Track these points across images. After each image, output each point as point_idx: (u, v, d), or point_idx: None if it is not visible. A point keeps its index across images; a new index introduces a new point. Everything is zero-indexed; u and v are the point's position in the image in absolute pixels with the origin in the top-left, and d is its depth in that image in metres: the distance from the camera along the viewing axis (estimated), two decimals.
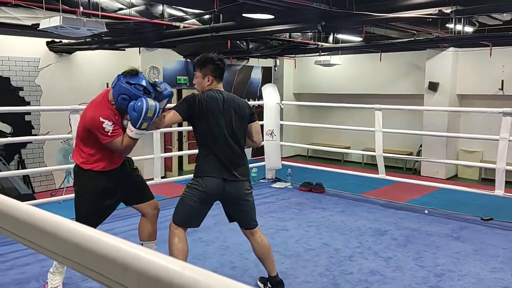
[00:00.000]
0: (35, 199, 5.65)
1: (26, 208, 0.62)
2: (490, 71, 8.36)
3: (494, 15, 5.52)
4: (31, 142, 7.32)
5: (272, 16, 5.25)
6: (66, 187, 6.75)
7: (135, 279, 0.49)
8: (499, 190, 4.83)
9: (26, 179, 7.13)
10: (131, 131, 2.84)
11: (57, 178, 7.44)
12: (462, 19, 6.02)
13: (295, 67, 10.89)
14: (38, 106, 7.31)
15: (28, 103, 7.26)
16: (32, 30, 5.51)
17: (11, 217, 0.60)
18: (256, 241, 3.11)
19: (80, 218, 3.06)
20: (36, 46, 7.27)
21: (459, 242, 4.28)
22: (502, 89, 8.27)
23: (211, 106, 2.90)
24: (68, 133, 6.52)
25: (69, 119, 6.00)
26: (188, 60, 9.40)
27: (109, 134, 2.86)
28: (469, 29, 6.45)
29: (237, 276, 3.50)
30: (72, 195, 4.93)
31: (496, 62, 8.11)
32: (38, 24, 4.33)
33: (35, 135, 7.29)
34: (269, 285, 3.23)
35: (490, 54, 7.70)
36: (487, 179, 8.09)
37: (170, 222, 3.04)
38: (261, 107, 7.11)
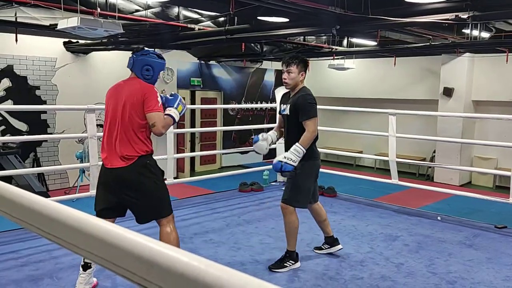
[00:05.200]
0: (50, 196, 5.73)
1: (53, 205, 0.64)
2: (506, 77, 8.25)
3: (511, 21, 5.46)
4: (46, 141, 7.42)
5: (287, 20, 5.26)
6: (80, 186, 6.83)
7: (160, 275, 0.51)
8: None
9: (40, 177, 7.23)
10: (172, 110, 3.10)
11: (71, 176, 7.53)
12: (479, 24, 5.96)
13: (308, 70, 10.89)
14: (54, 105, 7.41)
15: (44, 102, 7.37)
16: (50, 30, 5.61)
17: (38, 213, 0.62)
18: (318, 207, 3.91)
19: (165, 202, 3.15)
20: (53, 46, 7.38)
21: (472, 249, 4.23)
22: None
23: None
24: (83, 132, 6.61)
25: (84, 119, 6.08)
26: (202, 61, 9.44)
27: (159, 105, 2.98)
28: (485, 34, 6.39)
29: None
30: (86, 193, 5.00)
31: None
32: (56, 25, 4.40)
33: (51, 133, 7.39)
34: (326, 245, 4.00)
35: (507, 61, 7.60)
36: (502, 187, 7.99)
37: (286, 207, 3.61)
38: (273, 110, 7.12)
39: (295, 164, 3.41)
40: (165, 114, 3.05)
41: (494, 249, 4.24)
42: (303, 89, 3.68)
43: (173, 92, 3.27)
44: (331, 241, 3.99)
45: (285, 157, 3.41)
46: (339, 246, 3.98)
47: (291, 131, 3.65)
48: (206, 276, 0.47)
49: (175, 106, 3.13)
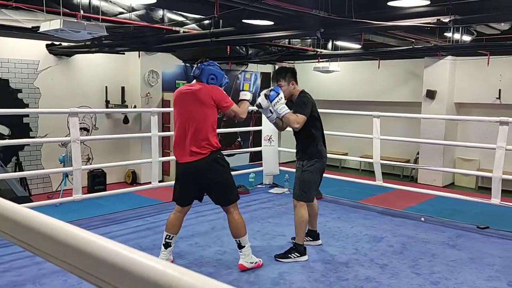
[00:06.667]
0: (32, 201, 5.64)
1: (26, 212, 0.63)
2: (488, 80, 8.40)
3: (492, 24, 5.56)
4: (28, 145, 7.31)
5: (272, 23, 5.27)
6: (63, 190, 6.74)
7: (134, 284, 0.50)
8: (496, 199, 4.84)
9: (23, 181, 7.11)
10: (241, 94, 3.74)
11: (54, 180, 7.43)
12: (460, 28, 6.06)
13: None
14: (37, 109, 7.31)
15: (26, 105, 7.26)
16: (32, 33, 5.52)
17: (10, 220, 0.61)
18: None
19: (234, 189, 3.69)
20: (35, 49, 7.28)
21: (455, 250, 4.29)
22: (499, 98, 8.31)
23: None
24: (66, 136, 6.52)
25: (67, 122, 6.00)
26: (188, 64, 9.41)
27: (229, 99, 3.59)
28: (467, 38, 6.49)
29: (234, 281, 3.50)
30: (69, 198, 4.93)
31: (494, 71, 8.16)
32: (39, 27, 4.34)
33: (33, 137, 7.28)
34: (308, 238, 4.26)
35: (488, 63, 7.74)
36: (484, 188, 8.11)
37: (297, 201, 3.93)
38: (259, 112, 7.12)
39: (273, 100, 3.71)
40: (239, 100, 3.69)
41: (477, 250, 4.30)
42: (302, 93, 3.95)
43: (240, 75, 3.84)
44: (315, 235, 4.34)
45: (280, 97, 3.73)
46: (319, 241, 4.34)
47: (299, 135, 4.00)
48: (180, 284, 0.47)
49: (241, 88, 3.76)
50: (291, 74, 3.91)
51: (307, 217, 3.93)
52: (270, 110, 3.87)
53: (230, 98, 3.64)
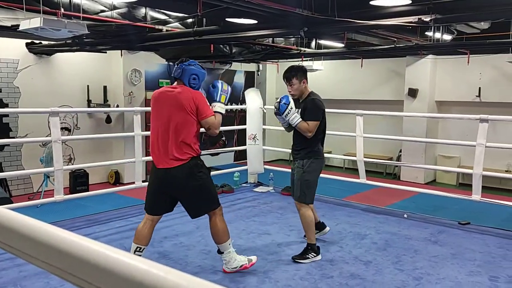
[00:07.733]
0: (12, 202, 5.53)
1: (6, 213, 0.62)
2: (468, 78, 8.53)
3: (472, 23, 5.65)
4: (8, 145, 7.17)
5: (255, 21, 5.27)
6: (44, 191, 6.63)
7: (119, 284, 0.49)
8: (476, 195, 4.93)
9: (3, 182, 6.97)
10: (217, 106, 3.45)
11: (35, 181, 7.30)
12: (441, 27, 6.14)
13: (277, 71, 10.94)
14: (17, 108, 7.17)
15: (6, 105, 7.11)
16: (11, 31, 5.41)
17: None
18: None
19: (215, 196, 3.50)
20: (15, 47, 7.13)
21: (437, 246, 4.36)
22: (479, 96, 8.45)
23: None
24: (47, 136, 6.41)
25: (48, 122, 5.90)
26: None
27: (210, 109, 3.34)
28: (447, 37, 6.58)
29: (219, 281, 3.49)
30: (51, 199, 4.86)
31: (474, 70, 8.29)
32: (18, 25, 4.26)
33: (13, 137, 7.14)
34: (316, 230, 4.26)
35: (468, 62, 7.86)
36: (465, 184, 8.25)
37: (300, 204, 3.94)
38: (243, 111, 7.12)
39: (284, 112, 3.80)
40: (214, 112, 3.39)
41: (458, 245, 4.37)
42: (312, 94, 3.98)
43: (215, 81, 3.58)
44: (319, 226, 4.45)
45: (291, 108, 3.81)
46: (328, 228, 4.53)
47: (299, 134, 3.95)
48: (165, 283, 0.47)
49: (218, 99, 3.47)
50: (302, 73, 3.95)
51: (313, 217, 4.03)
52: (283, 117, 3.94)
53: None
